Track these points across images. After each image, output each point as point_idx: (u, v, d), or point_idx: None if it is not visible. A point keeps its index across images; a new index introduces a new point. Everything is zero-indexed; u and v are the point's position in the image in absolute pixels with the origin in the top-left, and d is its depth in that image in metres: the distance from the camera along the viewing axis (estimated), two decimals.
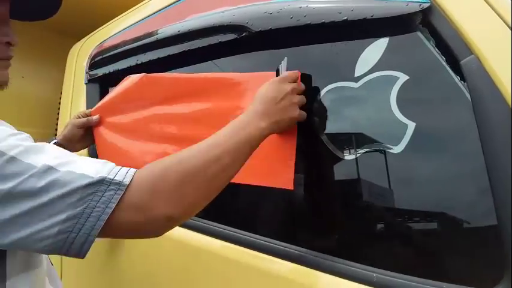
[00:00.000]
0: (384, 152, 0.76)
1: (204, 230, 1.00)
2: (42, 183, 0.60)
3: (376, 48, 0.79)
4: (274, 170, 0.87)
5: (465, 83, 0.68)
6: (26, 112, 1.84)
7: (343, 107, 0.84)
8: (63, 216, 0.60)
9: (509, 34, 0.64)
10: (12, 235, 0.59)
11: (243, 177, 0.92)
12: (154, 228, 0.68)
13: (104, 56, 1.43)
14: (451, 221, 0.71)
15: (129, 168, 0.66)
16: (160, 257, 1.09)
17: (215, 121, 0.95)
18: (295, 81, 0.83)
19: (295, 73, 0.84)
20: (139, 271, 1.15)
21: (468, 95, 0.67)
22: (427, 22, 0.74)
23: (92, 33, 1.66)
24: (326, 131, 0.84)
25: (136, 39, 1.28)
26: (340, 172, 0.83)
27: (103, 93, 1.44)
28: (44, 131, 1.79)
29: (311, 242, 0.83)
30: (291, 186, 0.83)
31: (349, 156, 0.80)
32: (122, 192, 0.63)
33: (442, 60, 0.73)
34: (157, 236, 0.69)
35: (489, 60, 0.64)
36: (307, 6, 0.86)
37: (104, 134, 1.21)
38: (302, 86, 0.84)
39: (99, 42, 1.53)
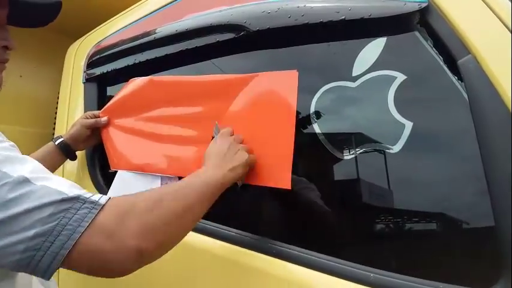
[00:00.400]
0: (381, 152, 0.76)
1: (202, 230, 1.00)
2: (14, 194, 0.58)
3: (374, 48, 0.79)
4: (271, 169, 0.87)
5: (462, 83, 0.68)
6: (24, 111, 1.83)
7: (340, 106, 0.85)
8: (31, 232, 0.57)
9: (507, 34, 0.64)
10: None
11: None
12: (122, 259, 0.63)
13: (101, 55, 1.42)
14: (449, 220, 0.72)
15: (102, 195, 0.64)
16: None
17: (224, 122, 0.95)
18: (232, 134, 0.91)
19: (229, 128, 0.92)
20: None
21: (465, 95, 0.67)
22: (425, 22, 0.74)
23: (90, 32, 1.66)
24: (323, 131, 0.84)
25: (134, 38, 1.28)
26: (337, 172, 0.83)
27: (101, 92, 1.44)
28: (42, 131, 1.78)
29: (308, 242, 0.83)
30: (288, 186, 0.82)
31: (346, 156, 0.80)
32: (96, 211, 0.61)
33: (440, 60, 0.73)
34: (122, 273, 0.64)
35: (487, 60, 0.65)
36: (305, 6, 0.86)
37: (112, 134, 1.24)
38: (240, 136, 0.90)
39: (96, 42, 1.52)
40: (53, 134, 1.61)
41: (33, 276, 0.79)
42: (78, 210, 0.60)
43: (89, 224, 0.59)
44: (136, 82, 1.19)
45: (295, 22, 0.86)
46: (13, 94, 1.76)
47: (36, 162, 0.66)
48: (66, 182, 0.63)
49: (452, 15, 0.70)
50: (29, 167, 0.63)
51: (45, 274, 0.59)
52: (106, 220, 0.61)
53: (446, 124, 0.71)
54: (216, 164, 0.80)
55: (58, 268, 0.59)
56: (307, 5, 0.86)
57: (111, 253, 0.61)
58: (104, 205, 0.61)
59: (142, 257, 0.64)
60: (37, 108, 1.87)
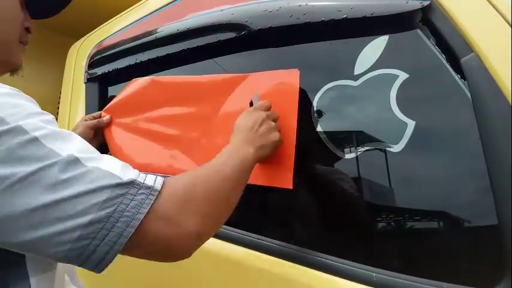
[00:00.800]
0: (383, 151, 0.75)
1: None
2: (66, 175, 0.52)
3: (376, 47, 0.79)
4: (273, 169, 0.86)
5: (465, 81, 0.67)
6: None
7: (342, 105, 0.84)
8: (86, 218, 0.51)
9: (509, 32, 0.64)
10: (23, 234, 0.50)
11: None
12: (184, 245, 0.60)
13: (102, 55, 1.42)
14: (451, 220, 0.71)
15: (156, 175, 0.60)
16: None
17: (226, 121, 0.95)
18: (268, 109, 0.85)
19: (267, 102, 0.86)
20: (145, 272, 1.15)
21: (468, 93, 0.67)
22: (427, 20, 0.74)
23: (91, 32, 1.66)
24: (325, 130, 0.84)
25: (135, 38, 1.28)
26: (339, 171, 0.83)
27: (102, 92, 1.44)
28: None
29: (310, 241, 0.82)
30: (290, 186, 0.82)
31: (348, 155, 0.80)
32: (154, 197, 0.56)
33: (442, 59, 0.72)
34: (182, 258, 0.61)
35: (489, 58, 0.64)
36: (306, 4, 0.85)
37: (115, 134, 1.23)
38: (275, 113, 0.85)
39: (98, 41, 1.52)
40: None
41: (65, 273, 0.75)
42: (134, 195, 0.55)
43: (148, 210, 0.54)
44: (139, 82, 1.19)
45: (296, 21, 0.86)
46: None
47: (81, 138, 0.60)
48: (117, 163, 0.58)
49: (455, 13, 0.70)
50: (76, 144, 0.56)
51: (98, 266, 0.53)
52: (165, 207, 0.57)
53: (449, 123, 0.71)
54: (247, 139, 0.76)
55: (113, 259, 0.54)
56: (308, 3, 0.85)
57: (173, 239, 0.58)
58: (160, 190, 0.57)
59: (201, 240, 0.63)
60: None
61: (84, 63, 1.53)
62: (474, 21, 0.68)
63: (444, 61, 0.72)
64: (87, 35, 1.67)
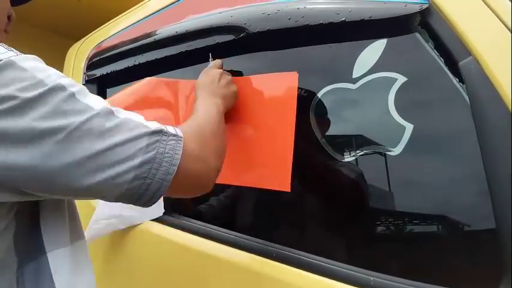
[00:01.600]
0: (381, 154, 0.75)
1: (204, 234, 0.99)
2: (109, 124, 0.57)
3: (374, 50, 0.79)
4: (271, 171, 0.86)
5: (464, 85, 0.67)
6: None
7: (340, 108, 0.84)
8: (137, 160, 0.57)
9: (508, 35, 0.63)
10: (85, 179, 0.54)
11: (240, 179, 0.92)
12: (210, 178, 0.71)
13: (101, 56, 1.42)
14: (450, 223, 0.71)
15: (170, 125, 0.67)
16: (161, 260, 1.08)
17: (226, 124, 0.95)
18: (221, 67, 0.96)
19: (219, 61, 0.97)
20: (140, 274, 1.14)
21: (467, 97, 0.67)
22: (426, 23, 0.74)
23: (90, 34, 1.66)
24: (323, 133, 0.84)
25: (134, 40, 1.27)
26: (338, 174, 0.83)
27: (100, 93, 1.43)
28: None
29: (308, 245, 0.82)
30: (288, 188, 0.82)
31: (347, 159, 0.80)
32: (182, 141, 0.64)
33: (441, 62, 0.72)
34: (208, 190, 0.71)
35: (488, 61, 0.64)
36: (305, 7, 0.85)
37: None
38: (229, 74, 0.94)
39: (97, 43, 1.52)
40: None
41: None
42: (167, 141, 0.62)
43: (182, 151, 0.62)
44: (147, 81, 1.16)
45: (295, 24, 0.86)
46: None
47: None
48: (139, 115, 0.64)
49: (453, 16, 0.70)
50: (102, 99, 0.62)
51: (150, 201, 0.61)
52: (191, 148, 0.65)
53: (447, 126, 0.71)
54: (210, 91, 0.85)
55: (160, 197, 0.61)
56: (307, 6, 0.85)
57: (204, 174, 0.68)
58: (183, 136, 0.65)
59: (219, 173, 0.73)
60: None
61: (82, 64, 1.53)
62: (472, 24, 0.68)
63: (442, 64, 0.72)
64: (86, 36, 1.67)
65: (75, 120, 0.54)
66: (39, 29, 1.91)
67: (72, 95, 0.56)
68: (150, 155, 0.58)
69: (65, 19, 1.85)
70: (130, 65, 1.27)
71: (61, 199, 0.67)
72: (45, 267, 0.62)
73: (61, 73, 0.60)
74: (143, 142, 0.59)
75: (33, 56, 0.59)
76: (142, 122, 0.62)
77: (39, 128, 0.52)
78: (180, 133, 0.65)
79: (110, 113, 0.59)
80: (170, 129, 0.64)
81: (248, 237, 0.89)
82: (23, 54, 0.57)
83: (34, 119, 0.52)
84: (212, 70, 0.92)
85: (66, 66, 1.67)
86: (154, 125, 0.63)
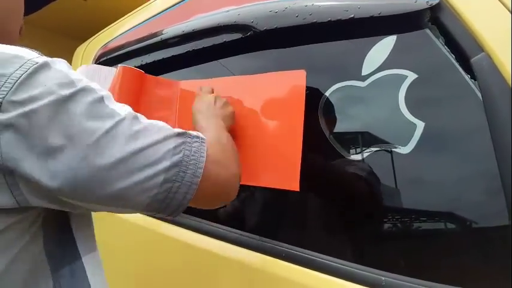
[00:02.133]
0: (392, 153, 0.74)
1: (210, 232, 0.99)
2: (136, 127, 0.57)
3: (384, 47, 0.78)
4: (279, 171, 0.85)
5: (476, 82, 0.66)
6: None
7: (350, 106, 0.83)
8: (166, 163, 0.57)
9: None
10: (116, 184, 0.53)
11: (248, 178, 0.91)
12: (234, 185, 0.70)
13: (108, 57, 1.42)
14: (462, 223, 0.70)
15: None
16: (160, 258, 1.08)
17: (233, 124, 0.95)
18: (212, 92, 0.96)
19: (209, 87, 0.98)
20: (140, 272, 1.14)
21: (479, 94, 0.65)
22: (436, 19, 0.72)
23: (97, 34, 1.66)
24: (333, 131, 0.83)
25: (140, 40, 1.27)
26: (347, 173, 0.82)
27: None
28: None
29: (318, 244, 0.81)
30: (297, 188, 0.81)
31: (356, 157, 0.78)
32: (205, 145, 0.64)
33: (452, 58, 0.71)
34: (232, 198, 0.72)
35: (500, 57, 0.63)
36: (312, 5, 0.84)
37: None
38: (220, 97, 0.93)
39: (103, 44, 1.52)
40: None
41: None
42: (191, 143, 0.62)
43: (206, 154, 0.62)
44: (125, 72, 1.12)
45: (303, 21, 0.85)
46: None
47: None
48: (162, 122, 0.64)
49: (465, 11, 0.69)
50: (127, 106, 0.61)
51: (178, 209, 0.60)
52: (214, 152, 0.65)
53: (460, 124, 0.70)
54: (212, 114, 0.85)
55: (188, 203, 0.60)
56: (315, 3, 0.84)
57: (226, 180, 0.67)
58: (205, 139, 0.65)
59: (239, 181, 0.73)
60: None
61: None
62: (484, 19, 0.66)
63: (454, 61, 0.70)
64: (93, 37, 1.67)
65: (106, 123, 0.54)
66: (45, 31, 1.92)
67: (101, 99, 0.56)
68: (177, 157, 0.58)
69: (71, 20, 1.86)
70: (137, 65, 1.26)
71: None
72: (81, 271, 0.62)
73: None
74: (170, 144, 0.59)
75: (63, 59, 0.59)
76: (165, 125, 0.62)
77: (72, 130, 0.52)
78: (202, 135, 0.65)
79: (135, 118, 0.59)
80: (192, 132, 0.64)
81: (257, 236, 0.88)
82: (54, 58, 0.57)
83: (67, 119, 0.52)
84: (206, 95, 0.92)
85: (73, 68, 1.67)
86: (176, 129, 0.62)
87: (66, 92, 0.52)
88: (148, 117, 0.63)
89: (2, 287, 0.53)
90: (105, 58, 1.44)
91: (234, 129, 0.92)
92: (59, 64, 0.56)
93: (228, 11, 1.03)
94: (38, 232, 0.57)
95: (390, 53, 0.77)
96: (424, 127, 0.71)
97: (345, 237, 0.83)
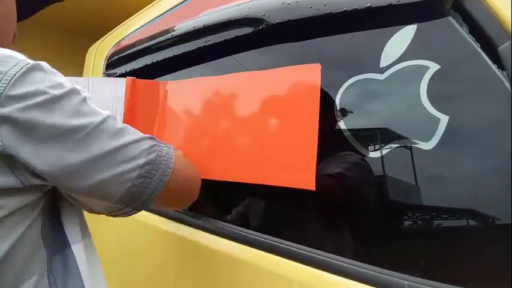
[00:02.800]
0: (413, 149, 0.70)
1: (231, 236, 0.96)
2: (117, 127, 0.64)
3: (403, 37, 0.73)
4: (294, 169, 0.82)
5: (504, 72, 0.61)
6: None
7: (367, 100, 0.79)
8: (141, 161, 0.65)
9: None
10: (96, 175, 0.61)
11: (261, 178, 0.88)
12: (197, 187, 0.79)
13: (120, 55, 1.41)
14: (492, 224, 0.65)
15: None
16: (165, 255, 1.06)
17: (244, 120, 0.93)
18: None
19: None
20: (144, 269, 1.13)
21: (508, 84, 0.61)
22: (460, 6, 0.68)
23: (110, 32, 1.65)
24: (349, 127, 0.79)
25: (152, 37, 1.25)
26: (365, 171, 0.78)
27: None
28: None
29: (334, 247, 0.78)
30: (312, 187, 0.78)
31: (374, 154, 0.74)
32: (173, 149, 0.73)
33: (477, 47, 0.66)
34: (193, 200, 0.80)
35: None
36: None
37: None
38: None
39: (115, 42, 1.51)
40: None
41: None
42: (162, 147, 0.71)
43: (174, 156, 0.71)
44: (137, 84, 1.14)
45: (317, 12, 0.81)
46: None
47: None
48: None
49: None
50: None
51: (145, 203, 0.67)
52: (180, 158, 0.74)
53: (486, 117, 0.65)
54: None
55: (154, 198, 0.68)
56: None
57: (193, 181, 0.78)
58: (172, 146, 0.74)
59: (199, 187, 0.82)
60: None
61: (102, 64, 1.52)
62: None
63: (479, 50, 0.66)
64: (105, 35, 1.66)
65: (92, 120, 0.61)
66: (58, 30, 1.92)
67: (85, 100, 0.63)
68: (152, 156, 0.66)
69: (84, 19, 1.86)
70: (148, 63, 1.25)
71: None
72: (72, 259, 0.67)
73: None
74: (146, 144, 0.67)
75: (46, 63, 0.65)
76: (136, 129, 0.69)
77: (65, 125, 0.59)
78: (166, 143, 0.73)
79: (115, 118, 0.66)
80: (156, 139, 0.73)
81: (272, 238, 0.85)
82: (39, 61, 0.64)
83: (60, 116, 0.58)
84: None
85: (86, 66, 1.67)
86: (146, 134, 0.70)
87: (57, 92, 0.59)
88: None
89: (6, 266, 0.59)
90: (117, 57, 1.43)
91: (248, 126, 0.89)
92: (46, 67, 0.62)
93: (238, 5, 0.99)
94: (37, 218, 0.63)
95: (410, 43, 0.72)
96: (448, 121, 0.66)
97: (365, 239, 0.80)
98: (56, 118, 0.58)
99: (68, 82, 0.63)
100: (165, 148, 0.71)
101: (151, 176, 0.65)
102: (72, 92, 0.62)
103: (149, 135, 0.69)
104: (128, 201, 0.66)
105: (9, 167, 0.57)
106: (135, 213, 0.70)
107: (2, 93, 0.55)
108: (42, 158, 0.57)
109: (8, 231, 0.59)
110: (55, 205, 0.68)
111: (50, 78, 0.60)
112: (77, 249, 0.69)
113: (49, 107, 0.58)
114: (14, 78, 0.56)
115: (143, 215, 1.06)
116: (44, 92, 0.58)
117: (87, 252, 0.71)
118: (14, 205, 0.58)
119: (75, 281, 0.66)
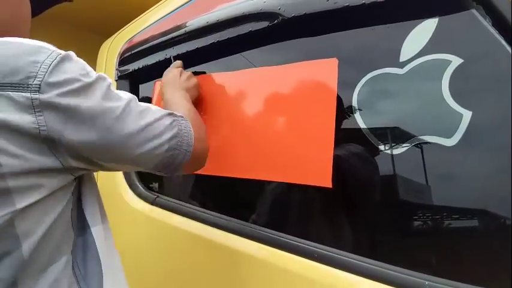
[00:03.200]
0: (435, 146, 0.68)
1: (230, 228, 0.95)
2: (140, 108, 0.71)
3: (424, 30, 0.71)
4: (310, 166, 0.81)
5: None
6: None
7: (387, 96, 0.77)
8: (168, 135, 0.73)
9: None
10: (136, 149, 0.68)
11: (277, 175, 0.87)
12: (206, 153, 0.86)
13: (132, 51, 1.40)
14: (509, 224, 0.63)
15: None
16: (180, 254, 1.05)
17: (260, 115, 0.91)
18: (180, 66, 1.10)
19: (178, 62, 1.12)
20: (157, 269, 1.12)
21: None
22: None
23: (122, 28, 1.64)
24: (368, 124, 0.77)
25: (164, 33, 1.24)
26: (385, 169, 0.76)
27: (133, 89, 1.42)
28: None
29: (353, 246, 0.76)
30: (329, 184, 0.76)
31: (395, 151, 0.73)
32: (189, 122, 0.80)
33: (501, 40, 0.64)
34: (203, 166, 0.87)
35: None
36: None
37: None
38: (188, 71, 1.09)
39: (128, 39, 1.50)
40: None
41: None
42: (180, 120, 0.78)
43: (192, 131, 0.79)
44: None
45: (334, 5, 0.79)
46: None
47: None
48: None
49: None
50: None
51: (176, 169, 0.77)
52: (196, 130, 0.80)
53: (510, 112, 0.63)
54: (175, 87, 1.00)
55: (183, 166, 0.77)
56: None
57: (206, 149, 0.86)
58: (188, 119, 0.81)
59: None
60: None
61: (115, 60, 1.52)
62: None
63: (504, 42, 0.63)
64: (118, 31, 1.66)
65: (120, 103, 0.67)
66: (72, 26, 1.92)
67: (110, 85, 0.69)
68: (175, 130, 0.74)
69: (97, 15, 1.86)
70: (161, 59, 1.24)
71: (94, 182, 0.78)
72: (91, 241, 0.71)
73: None
74: (167, 120, 0.74)
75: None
76: (157, 107, 0.76)
77: (100, 108, 0.64)
78: (184, 116, 0.80)
79: (136, 100, 0.72)
80: (176, 112, 0.79)
81: (288, 236, 0.84)
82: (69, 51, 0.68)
83: (94, 100, 0.64)
84: (172, 69, 1.07)
85: (98, 63, 1.66)
86: (164, 110, 0.77)
87: (88, 79, 0.64)
88: None
89: (42, 246, 0.62)
90: (129, 53, 1.42)
91: (264, 122, 0.88)
92: (75, 57, 0.67)
93: None
94: (69, 201, 0.67)
95: (431, 36, 0.70)
96: (472, 117, 0.64)
97: (386, 239, 0.78)
98: (91, 102, 0.64)
99: (93, 70, 0.68)
100: (183, 121, 0.78)
101: (178, 148, 0.74)
102: (100, 78, 0.67)
103: (167, 111, 0.76)
104: (161, 168, 0.75)
105: (51, 149, 0.61)
106: (169, 175, 0.80)
107: (42, 80, 0.59)
108: (85, 137, 0.63)
109: (47, 211, 0.63)
110: (80, 190, 0.73)
111: (80, 67, 0.65)
112: (96, 232, 0.73)
113: (83, 92, 0.63)
114: (50, 67, 0.61)
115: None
116: (77, 80, 0.63)
117: (105, 235, 0.75)
118: (52, 186, 0.63)
119: (93, 262, 0.70)
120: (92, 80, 0.65)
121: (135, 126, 0.68)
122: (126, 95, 0.71)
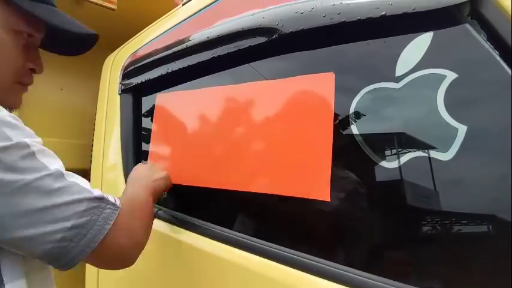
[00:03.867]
0: (431, 160, 0.68)
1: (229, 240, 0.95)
2: (57, 185, 0.64)
3: (419, 45, 0.72)
4: (308, 180, 0.81)
5: None
6: (67, 123, 1.86)
7: (383, 110, 0.77)
8: (69, 223, 0.63)
9: None
10: (19, 231, 0.61)
11: (275, 188, 0.87)
12: (135, 253, 0.77)
13: (136, 65, 1.42)
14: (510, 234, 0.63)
15: (113, 196, 0.74)
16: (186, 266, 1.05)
17: (257, 129, 0.92)
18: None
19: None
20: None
21: None
22: (477, 13, 0.66)
23: (126, 42, 1.67)
24: (365, 138, 0.77)
25: (166, 47, 1.26)
26: (381, 183, 0.76)
27: (136, 103, 1.43)
28: (81, 142, 1.80)
29: (350, 259, 0.76)
30: (327, 197, 0.77)
31: (391, 165, 0.73)
32: (117, 212, 0.71)
33: (496, 55, 0.64)
34: (131, 265, 0.77)
35: None
36: (341, 3, 0.80)
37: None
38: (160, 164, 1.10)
39: (131, 52, 1.52)
40: (92, 145, 1.62)
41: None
42: (104, 209, 0.69)
43: (113, 222, 0.69)
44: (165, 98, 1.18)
45: (330, 21, 0.80)
46: (56, 107, 1.81)
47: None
48: (86, 181, 0.72)
49: (509, 3, 0.62)
50: (59, 162, 0.70)
51: (67, 265, 0.66)
52: (123, 221, 0.72)
53: (506, 127, 0.63)
54: (135, 182, 0.94)
55: (79, 262, 0.66)
56: (343, 2, 0.79)
57: (129, 248, 0.75)
58: (120, 207, 0.73)
59: (143, 249, 0.79)
60: (78, 120, 1.90)
61: (118, 74, 1.54)
62: None
63: (498, 57, 0.64)
64: (122, 45, 1.68)
65: (26, 177, 0.61)
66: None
67: (32, 154, 0.64)
68: (82, 220, 0.65)
69: (100, 30, 1.88)
70: (163, 73, 1.25)
71: None
72: None
73: (30, 133, 0.68)
74: (82, 206, 0.66)
75: (13, 115, 0.67)
76: (87, 187, 0.69)
77: None
78: (119, 203, 0.73)
79: (60, 175, 0.66)
80: (111, 198, 0.72)
81: (286, 249, 0.84)
82: (4, 111, 0.66)
83: None
84: (141, 164, 1.08)
85: (103, 77, 1.69)
86: (97, 192, 0.70)
87: (3, 143, 0.61)
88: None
89: None
90: (133, 67, 1.44)
91: (261, 136, 0.89)
92: (7, 119, 0.63)
93: (252, 15, 0.99)
94: None
95: (426, 51, 0.71)
96: (467, 131, 0.65)
97: (386, 255, 0.78)
98: None
99: (20, 135, 0.64)
100: (108, 211, 0.69)
101: (76, 241, 0.64)
102: (18, 146, 0.62)
103: (97, 195, 0.69)
104: (49, 260, 0.65)
105: None
106: (63, 270, 0.68)
107: None
108: None
109: None
110: None
111: (1, 130, 0.62)
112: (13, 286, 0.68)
113: None
114: None
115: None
116: None
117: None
118: None
119: None
120: (4, 145, 0.61)
121: (29, 205, 0.61)
122: (52, 166, 0.65)
